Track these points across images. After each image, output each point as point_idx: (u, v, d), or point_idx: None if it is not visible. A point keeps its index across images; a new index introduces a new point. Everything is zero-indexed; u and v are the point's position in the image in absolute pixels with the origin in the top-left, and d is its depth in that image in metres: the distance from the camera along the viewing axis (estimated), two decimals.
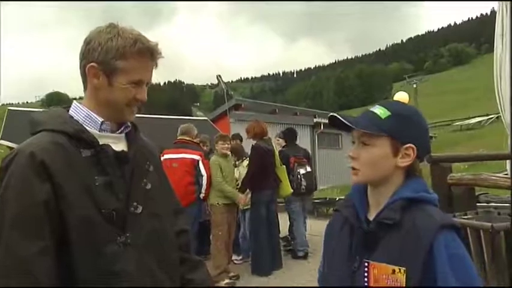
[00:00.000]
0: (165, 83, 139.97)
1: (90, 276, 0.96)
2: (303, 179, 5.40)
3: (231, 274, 4.55)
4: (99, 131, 1.07)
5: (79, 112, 1.09)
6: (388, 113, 1.00)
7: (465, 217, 2.68)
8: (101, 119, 1.08)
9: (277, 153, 5.17)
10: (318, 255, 5.53)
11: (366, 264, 0.97)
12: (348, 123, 0.99)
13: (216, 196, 4.58)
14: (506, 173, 4.07)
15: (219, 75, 15.03)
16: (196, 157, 4.54)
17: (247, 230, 5.13)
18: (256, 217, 4.80)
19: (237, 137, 5.69)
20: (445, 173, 3.19)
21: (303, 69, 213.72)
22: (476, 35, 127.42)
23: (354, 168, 1.03)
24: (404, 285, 0.90)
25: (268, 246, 4.78)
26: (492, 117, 29.69)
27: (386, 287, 0.92)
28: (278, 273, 4.78)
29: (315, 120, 16.50)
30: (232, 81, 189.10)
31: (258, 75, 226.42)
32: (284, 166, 5.23)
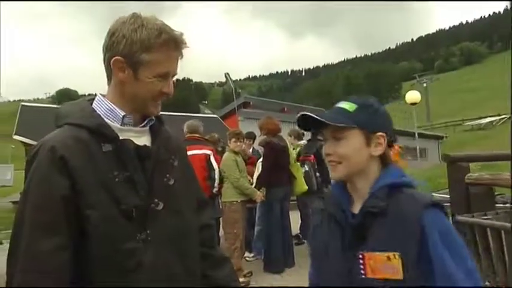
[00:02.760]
0: (173, 80, 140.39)
1: (108, 272, 0.95)
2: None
3: (245, 272, 4.55)
4: (121, 125, 1.05)
5: (101, 105, 1.06)
6: (355, 106, 1.04)
7: (485, 217, 2.66)
8: (122, 113, 1.05)
9: (291, 149, 5.17)
10: None
11: (361, 256, 0.97)
12: (324, 120, 1.00)
13: (236, 193, 4.45)
14: None
15: (227, 73, 14.83)
16: (208, 152, 4.60)
17: (257, 226, 5.13)
18: (269, 214, 4.78)
19: (251, 135, 5.65)
20: (463, 173, 3.16)
21: (311, 67, 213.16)
22: (488, 33, 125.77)
23: (333, 163, 1.04)
24: (401, 270, 0.91)
25: (281, 244, 4.76)
26: (504, 118, 29.32)
27: (384, 276, 0.93)
28: (290, 271, 4.78)
29: None
30: (240, 79, 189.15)
31: (266, 73, 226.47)
32: (298, 163, 5.23)
